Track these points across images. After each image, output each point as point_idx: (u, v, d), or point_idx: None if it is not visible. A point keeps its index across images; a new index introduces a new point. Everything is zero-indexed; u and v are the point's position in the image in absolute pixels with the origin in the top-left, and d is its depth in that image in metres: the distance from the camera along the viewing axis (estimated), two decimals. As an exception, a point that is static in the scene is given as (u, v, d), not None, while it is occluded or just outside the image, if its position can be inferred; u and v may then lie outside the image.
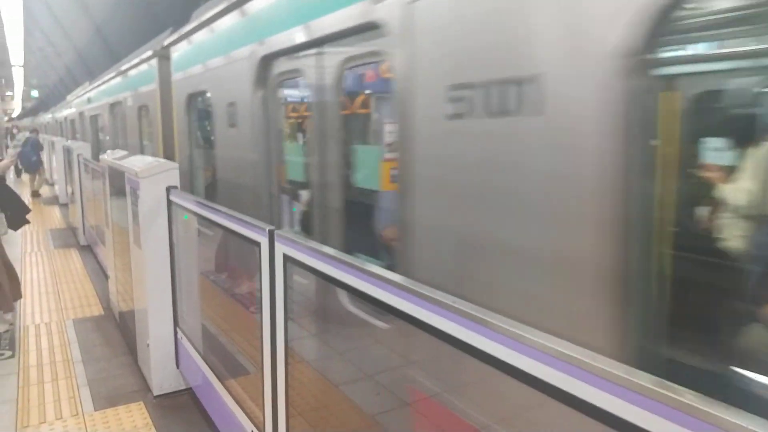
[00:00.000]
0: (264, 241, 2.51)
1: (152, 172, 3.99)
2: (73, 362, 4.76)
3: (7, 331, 5.38)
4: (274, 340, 2.47)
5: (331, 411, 3.15)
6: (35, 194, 16.09)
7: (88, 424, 3.76)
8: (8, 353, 4.91)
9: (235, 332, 3.92)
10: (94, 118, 12.76)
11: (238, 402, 3.11)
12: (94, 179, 7.61)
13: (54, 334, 5.41)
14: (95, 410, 3.95)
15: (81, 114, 14.87)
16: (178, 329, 4.15)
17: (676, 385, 0.97)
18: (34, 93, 39.06)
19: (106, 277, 6.79)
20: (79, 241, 9.70)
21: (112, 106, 9.89)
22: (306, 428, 2.80)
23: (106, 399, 4.12)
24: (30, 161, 15.78)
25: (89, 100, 13.20)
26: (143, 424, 3.76)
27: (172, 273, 4.06)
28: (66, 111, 19.61)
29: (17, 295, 5.67)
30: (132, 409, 3.97)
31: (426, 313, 1.55)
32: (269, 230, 2.45)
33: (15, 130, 22.06)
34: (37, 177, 16.27)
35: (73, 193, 10.58)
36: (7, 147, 17.39)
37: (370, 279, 1.80)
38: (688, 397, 0.94)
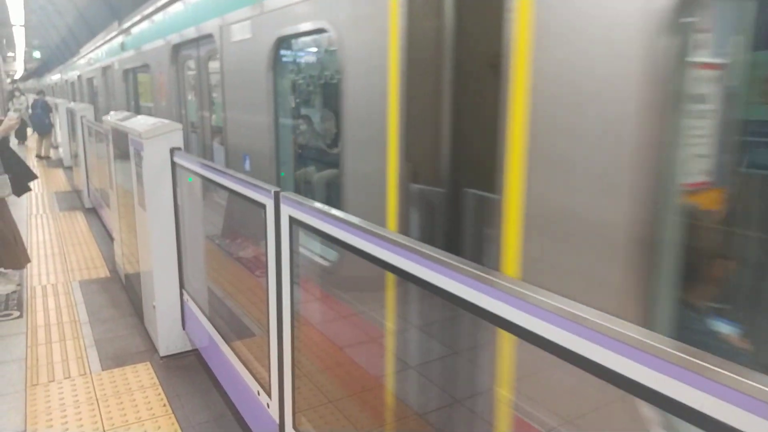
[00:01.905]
0: (269, 203, 2.48)
1: (156, 133, 3.93)
2: (80, 323, 4.80)
3: (14, 292, 5.42)
4: (279, 302, 2.47)
5: (336, 373, 3.17)
6: (45, 157, 16.05)
7: (95, 382, 3.80)
8: (16, 314, 4.95)
9: (241, 295, 3.93)
10: (129, 75, 8.37)
11: (244, 363, 3.13)
12: (97, 142, 7.56)
13: (61, 295, 5.45)
14: (102, 370, 3.99)
15: (105, 70, 10.29)
16: (183, 291, 4.17)
17: (695, 349, 0.94)
18: (36, 54, 38.61)
19: (112, 239, 6.80)
20: (84, 203, 9.71)
21: (177, 50, 5.44)
22: (312, 389, 2.82)
23: (113, 359, 4.16)
24: (43, 124, 15.74)
25: (122, 47, 8.37)
26: (150, 384, 3.80)
27: (177, 235, 4.05)
28: (76, 70, 15.63)
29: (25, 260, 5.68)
30: (139, 369, 4.01)
31: (434, 275, 1.52)
32: (274, 192, 2.42)
33: (17, 93, 21.63)
34: (44, 140, 16.21)
35: (77, 156, 10.54)
36: (8, 110, 17.00)
37: (378, 241, 1.77)
38: (708, 360, 0.90)
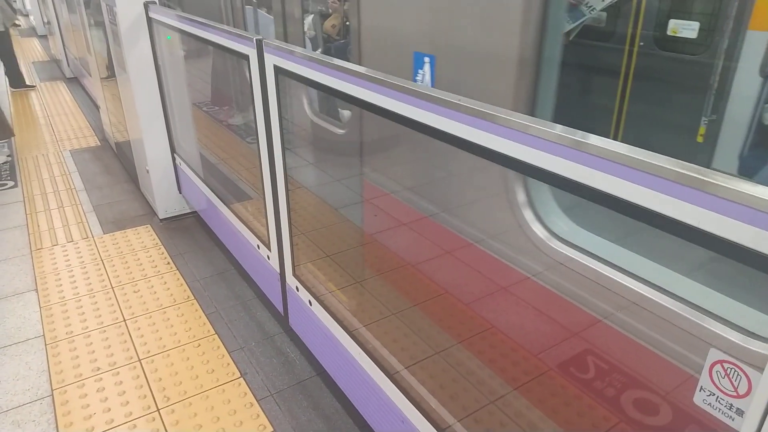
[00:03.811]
0: (252, 53, 2.36)
1: (126, -15, 3.65)
2: (76, 191, 4.82)
3: (5, 162, 5.38)
4: (271, 156, 2.44)
5: (330, 229, 3.25)
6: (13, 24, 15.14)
7: (98, 244, 3.90)
8: (10, 183, 4.95)
9: (232, 159, 3.90)
10: None
11: (242, 221, 3.17)
12: (69, 6, 7.08)
13: (53, 165, 5.41)
14: (104, 233, 4.07)
15: None
16: (175, 155, 4.12)
17: (690, 164, 0.91)
18: None
19: (97, 108, 6.63)
20: (64, 73, 9.34)
21: None
22: (308, 243, 2.90)
23: (114, 223, 4.23)
24: None
25: None
26: (152, 244, 3.89)
27: (162, 94, 3.92)
28: None
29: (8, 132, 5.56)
30: (140, 231, 4.09)
31: (422, 113, 1.47)
32: (257, 40, 2.29)
33: None
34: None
35: (50, 23, 9.94)
36: None
37: (366, 84, 1.69)
38: (704, 174, 0.87)
